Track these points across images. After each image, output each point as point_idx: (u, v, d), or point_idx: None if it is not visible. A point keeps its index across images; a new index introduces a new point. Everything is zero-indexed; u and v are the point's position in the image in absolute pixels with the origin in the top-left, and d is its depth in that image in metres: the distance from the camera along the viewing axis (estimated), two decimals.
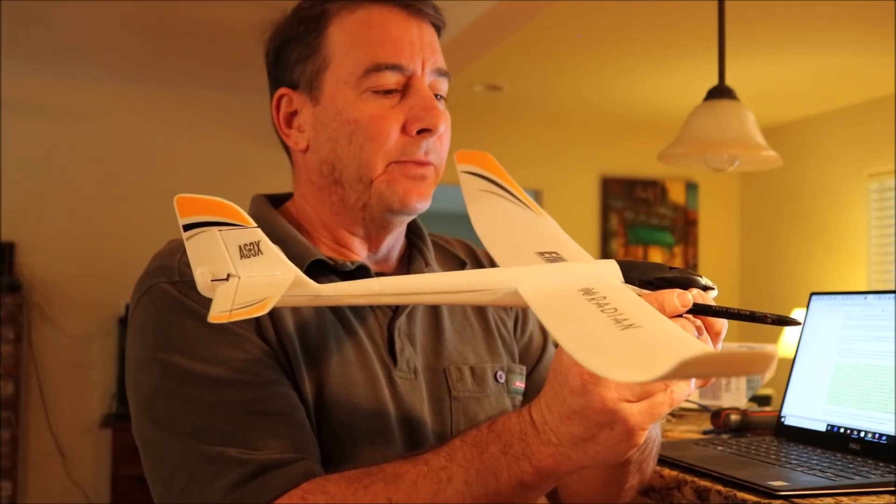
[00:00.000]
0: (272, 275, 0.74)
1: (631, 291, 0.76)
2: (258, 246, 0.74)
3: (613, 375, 0.62)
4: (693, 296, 0.76)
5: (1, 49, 3.97)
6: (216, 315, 0.71)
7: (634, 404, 0.73)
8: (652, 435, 0.98)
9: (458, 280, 0.79)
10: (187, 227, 0.74)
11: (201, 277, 0.74)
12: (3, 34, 3.75)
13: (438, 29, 1.05)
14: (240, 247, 0.74)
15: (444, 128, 1.00)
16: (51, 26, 3.72)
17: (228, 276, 0.74)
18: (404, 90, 0.98)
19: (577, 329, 0.69)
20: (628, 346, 0.64)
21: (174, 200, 0.74)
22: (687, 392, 0.76)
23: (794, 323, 0.78)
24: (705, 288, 0.80)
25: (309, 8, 1.02)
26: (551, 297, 0.75)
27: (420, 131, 0.97)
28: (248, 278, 0.74)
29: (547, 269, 0.80)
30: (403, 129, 0.98)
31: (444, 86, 1.02)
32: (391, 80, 0.97)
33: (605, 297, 0.72)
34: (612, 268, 0.80)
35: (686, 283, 0.78)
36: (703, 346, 0.63)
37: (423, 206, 1.01)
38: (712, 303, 0.79)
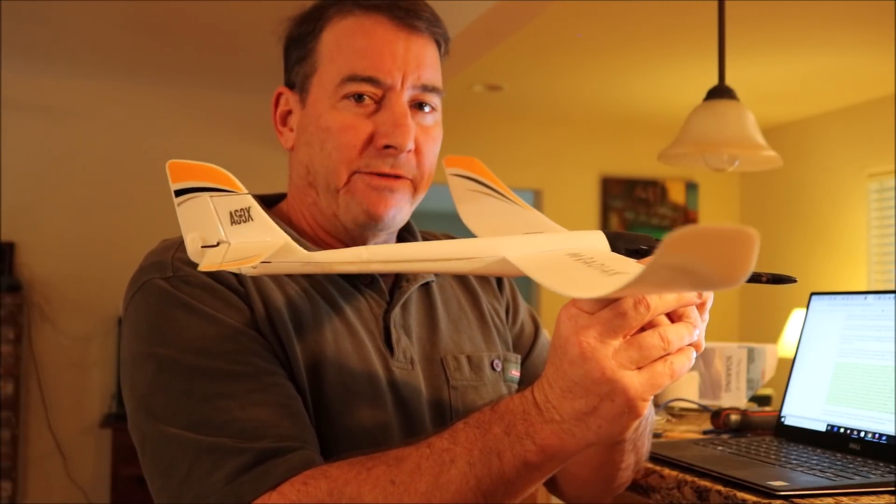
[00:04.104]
0: (262, 240, 0.75)
1: (619, 256, 0.77)
2: (249, 212, 0.74)
3: (594, 293, 0.64)
4: None
5: (1, 49, 3.97)
6: (206, 265, 0.72)
7: (634, 374, 0.72)
8: (645, 412, 0.98)
9: (446, 248, 0.79)
10: (179, 193, 0.74)
11: (192, 244, 0.74)
12: (3, 34, 3.75)
13: (438, 43, 1.04)
14: (230, 213, 0.74)
15: (425, 142, 1.00)
16: (51, 26, 3.72)
17: (219, 242, 0.74)
18: (380, 102, 0.99)
19: (564, 275, 0.71)
20: (614, 282, 0.66)
21: (166, 165, 0.74)
22: (688, 364, 0.75)
23: (790, 280, 0.79)
24: None
25: (311, 10, 1.04)
26: (539, 260, 0.76)
27: (386, 146, 0.98)
28: (238, 243, 0.74)
29: (535, 238, 0.81)
30: (371, 141, 0.98)
31: (432, 98, 1.02)
32: (365, 90, 0.98)
33: (592, 258, 0.74)
34: (599, 238, 0.81)
35: None
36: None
37: (391, 216, 1.00)
38: None
